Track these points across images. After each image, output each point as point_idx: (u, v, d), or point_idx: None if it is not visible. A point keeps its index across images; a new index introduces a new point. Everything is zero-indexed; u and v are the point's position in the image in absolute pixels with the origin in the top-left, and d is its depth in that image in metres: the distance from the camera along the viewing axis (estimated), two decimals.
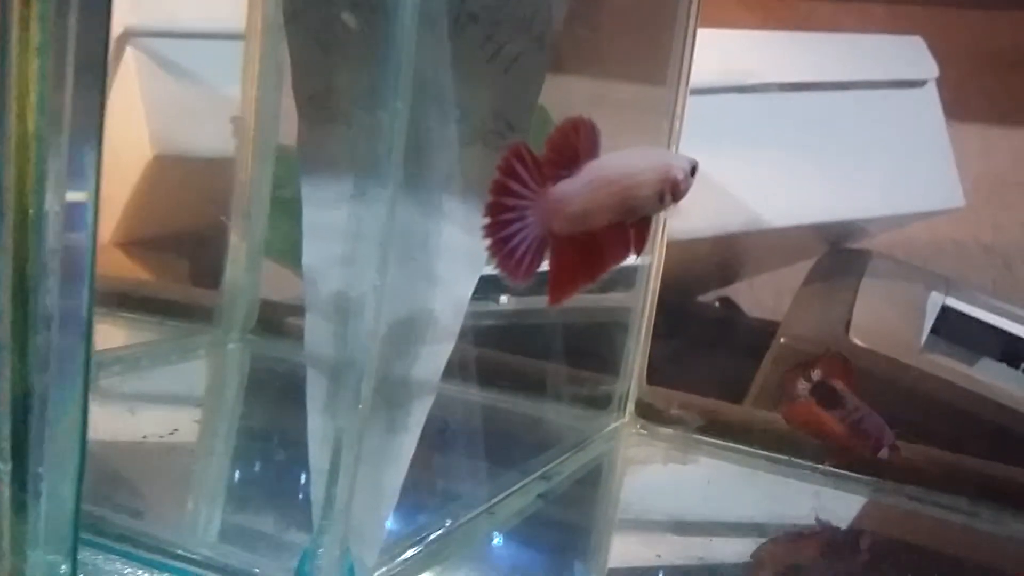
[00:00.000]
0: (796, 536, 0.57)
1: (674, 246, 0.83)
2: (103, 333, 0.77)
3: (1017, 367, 0.85)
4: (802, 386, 0.60)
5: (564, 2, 0.41)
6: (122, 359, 0.65)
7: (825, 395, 0.60)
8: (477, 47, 0.39)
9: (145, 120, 0.95)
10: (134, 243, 1.02)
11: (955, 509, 0.61)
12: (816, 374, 0.60)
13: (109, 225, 1.01)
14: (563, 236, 0.37)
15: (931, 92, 0.99)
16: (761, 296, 1.18)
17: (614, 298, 0.70)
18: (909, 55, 1.00)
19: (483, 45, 0.39)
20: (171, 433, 0.54)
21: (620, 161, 0.38)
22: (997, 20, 1.11)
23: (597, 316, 0.69)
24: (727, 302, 1.17)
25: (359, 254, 0.37)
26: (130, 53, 0.96)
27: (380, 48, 0.36)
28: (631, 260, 0.40)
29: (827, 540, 0.58)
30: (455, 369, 0.46)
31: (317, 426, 0.38)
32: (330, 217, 0.38)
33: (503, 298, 0.77)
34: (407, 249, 0.39)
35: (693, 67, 0.72)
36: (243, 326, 0.72)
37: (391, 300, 0.38)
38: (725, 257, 1.06)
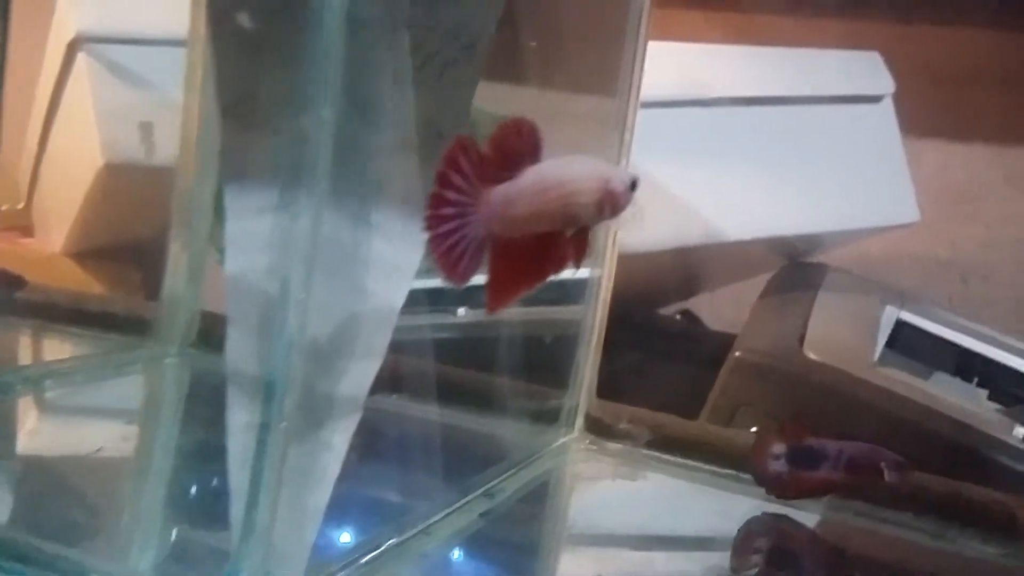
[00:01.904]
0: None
1: (633, 258, 0.83)
2: (36, 347, 0.75)
3: (971, 381, 0.86)
4: (776, 465, 0.59)
5: (497, 11, 0.40)
6: (54, 374, 0.63)
7: (803, 458, 0.58)
8: (407, 55, 0.38)
9: (96, 127, 0.93)
10: (86, 253, 1.00)
11: (903, 525, 0.60)
12: (779, 448, 0.59)
13: (60, 234, 0.99)
14: (503, 240, 0.37)
15: (887, 107, 1.00)
16: (722, 309, 1.18)
17: (564, 311, 0.70)
18: (866, 70, 1.01)
19: (413, 53, 0.38)
20: (96, 451, 0.52)
21: (561, 168, 0.38)
22: (953, 36, 1.13)
23: (547, 329, 0.68)
24: (688, 315, 1.18)
25: (283, 266, 0.36)
26: (82, 59, 0.94)
27: (306, 54, 0.35)
28: (572, 272, 0.39)
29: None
30: (395, 382, 0.44)
31: (237, 445, 0.37)
32: (254, 227, 0.37)
33: (460, 310, 0.76)
34: (334, 261, 0.38)
35: (654, 80, 0.72)
36: (183, 339, 0.70)
37: (316, 314, 0.36)
38: (685, 270, 1.06)
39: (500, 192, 0.36)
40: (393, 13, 0.37)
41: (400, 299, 0.40)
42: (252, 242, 0.37)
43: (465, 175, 0.35)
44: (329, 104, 0.35)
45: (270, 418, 0.36)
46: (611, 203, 0.37)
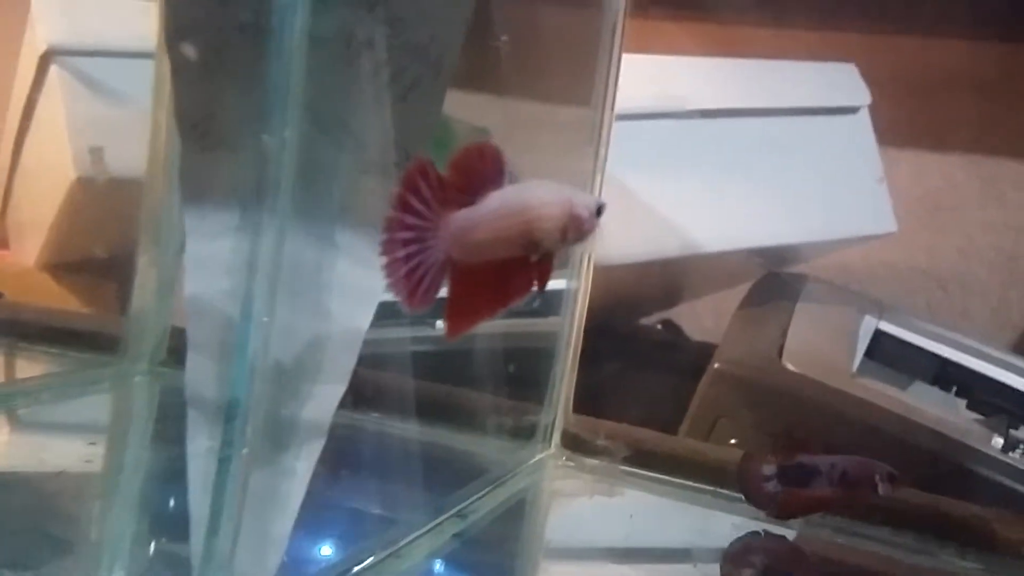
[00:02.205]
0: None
1: (613, 270, 0.83)
2: (5, 365, 0.73)
3: (949, 391, 0.86)
4: (770, 485, 0.58)
5: (463, 28, 0.40)
6: (21, 393, 0.62)
7: (795, 476, 0.57)
8: (372, 73, 0.37)
9: (68, 141, 0.92)
10: (61, 266, 0.98)
11: (881, 540, 0.60)
12: (770, 467, 0.58)
13: (34, 248, 0.98)
14: (463, 265, 0.36)
15: (864, 118, 1.01)
16: (703, 319, 1.18)
17: (541, 323, 0.69)
18: (842, 82, 1.01)
19: (378, 71, 0.37)
20: (57, 474, 0.51)
21: (525, 193, 0.37)
22: (927, 46, 1.13)
23: (524, 342, 0.68)
24: (669, 325, 1.17)
25: (245, 288, 0.35)
26: (54, 72, 0.93)
27: (266, 73, 0.34)
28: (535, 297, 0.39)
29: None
30: (366, 396, 0.44)
31: (198, 471, 0.36)
32: (214, 249, 0.36)
33: (439, 323, 0.75)
34: (297, 283, 0.37)
35: (632, 92, 0.72)
36: (152, 357, 0.68)
37: (279, 337, 0.36)
38: (665, 281, 1.05)
39: (461, 216, 0.35)
40: (356, 31, 0.37)
41: (366, 322, 0.39)
42: (213, 264, 0.36)
43: (424, 198, 0.34)
44: (291, 123, 0.35)
45: (231, 443, 0.35)
46: (575, 228, 0.36)
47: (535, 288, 0.36)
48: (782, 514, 0.58)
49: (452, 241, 0.35)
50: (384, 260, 0.35)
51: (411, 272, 0.35)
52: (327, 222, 0.38)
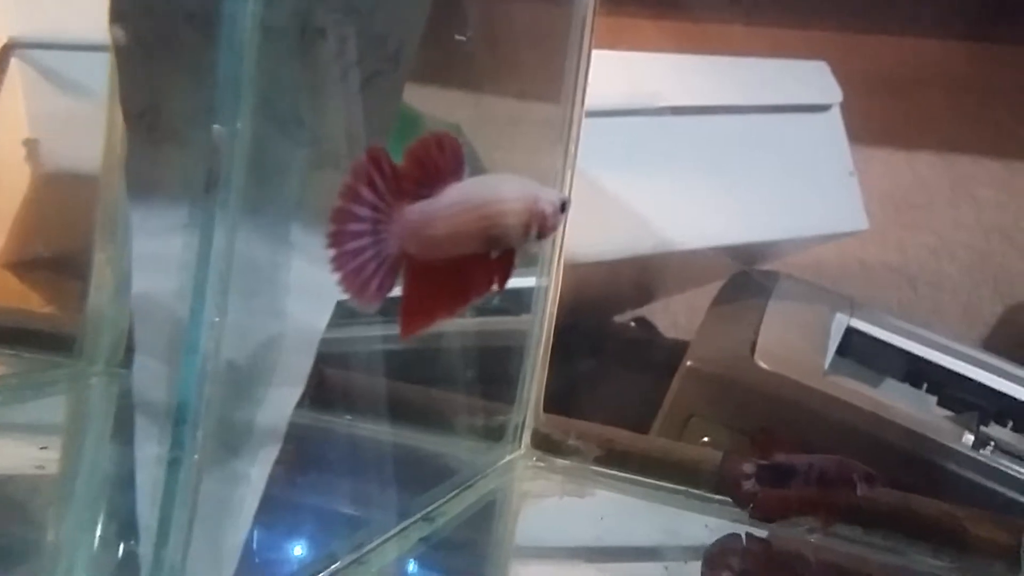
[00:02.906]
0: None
1: (585, 267, 0.82)
2: None
3: (921, 387, 0.86)
4: (748, 484, 0.57)
5: (422, 19, 0.39)
6: None
7: (773, 476, 0.57)
8: (327, 65, 0.36)
9: (30, 135, 0.90)
10: (23, 264, 0.96)
11: (853, 540, 0.60)
12: (749, 467, 0.57)
13: None
14: (419, 261, 0.34)
15: (835, 116, 1.01)
16: (677, 315, 1.18)
17: (510, 321, 0.68)
18: (814, 80, 1.01)
19: (333, 62, 0.36)
20: (7, 480, 0.49)
21: (486, 187, 0.35)
22: (898, 45, 1.14)
23: (492, 341, 0.66)
24: (643, 322, 1.17)
25: (194, 288, 0.34)
26: (15, 65, 0.91)
27: (217, 62, 0.33)
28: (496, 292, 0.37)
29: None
30: (329, 396, 0.42)
31: (146, 479, 0.35)
32: (162, 246, 0.35)
33: None
34: (250, 282, 0.36)
35: (604, 89, 0.71)
36: (108, 358, 0.66)
37: (231, 338, 0.34)
38: (638, 278, 1.05)
39: (417, 210, 0.34)
40: (311, 21, 0.35)
41: (323, 322, 0.38)
42: (161, 262, 0.35)
43: (377, 189, 0.33)
44: (242, 116, 0.33)
45: (181, 449, 0.33)
46: (539, 224, 0.35)
47: (495, 287, 0.35)
48: (761, 515, 0.57)
49: (407, 235, 0.34)
50: (332, 253, 0.33)
51: (362, 267, 0.33)
52: (281, 218, 0.36)
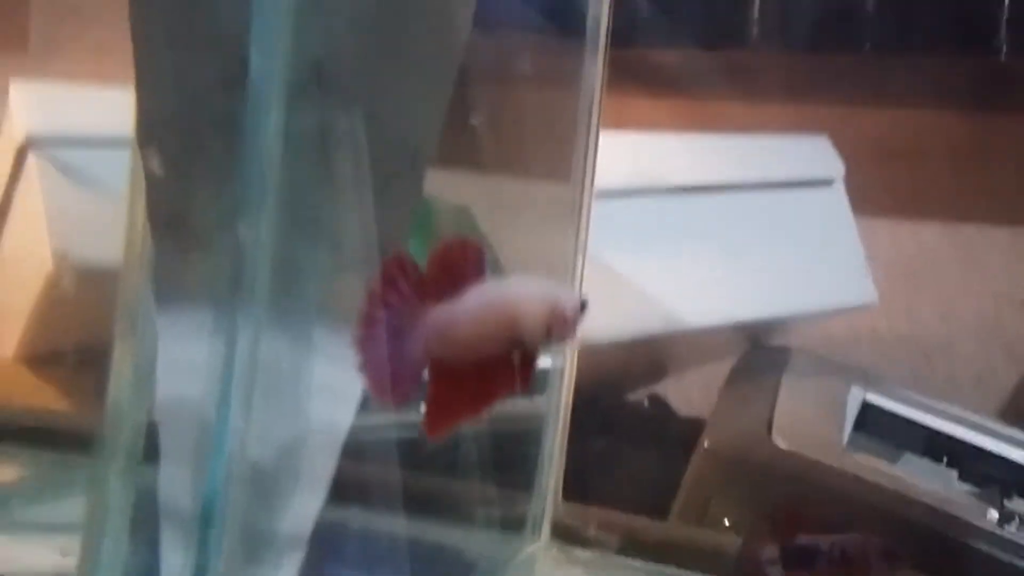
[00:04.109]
0: None
1: (595, 349, 0.82)
2: None
3: (940, 462, 0.85)
4: (775, 571, 0.56)
5: (440, 120, 0.40)
6: None
7: (797, 559, 0.56)
8: (347, 170, 0.37)
9: (47, 231, 0.91)
10: (39, 358, 0.97)
11: None
12: (772, 551, 0.56)
13: (12, 340, 0.96)
14: (443, 364, 0.35)
15: (839, 189, 1.02)
16: (690, 392, 1.17)
17: (526, 404, 0.67)
18: (816, 154, 1.03)
19: (353, 168, 0.37)
20: None
21: (507, 290, 0.36)
22: (897, 117, 1.16)
23: (506, 426, 0.66)
24: (656, 400, 1.16)
25: (219, 392, 0.34)
26: (32, 162, 0.92)
27: (241, 170, 0.34)
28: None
29: None
30: (343, 488, 0.42)
31: None
32: (188, 352, 0.35)
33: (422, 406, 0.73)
34: (274, 386, 0.36)
35: (607, 170, 0.72)
36: (129, 455, 0.66)
37: (255, 444, 0.34)
38: (649, 357, 1.05)
39: (441, 312, 0.34)
40: (332, 128, 0.36)
41: (346, 424, 0.38)
42: (186, 367, 0.35)
43: (402, 293, 0.33)
44: (266, 221, 0.34)
45: (206, 559, 0.33)
46: (560, 327, 0.35)
47: (518, 389, 0.35)
48: None
49: (431, 337, 0.34)
50: (358, 357, 0.33)
51: (387, 369, 0.34)
52: (304, 322, 0.36)
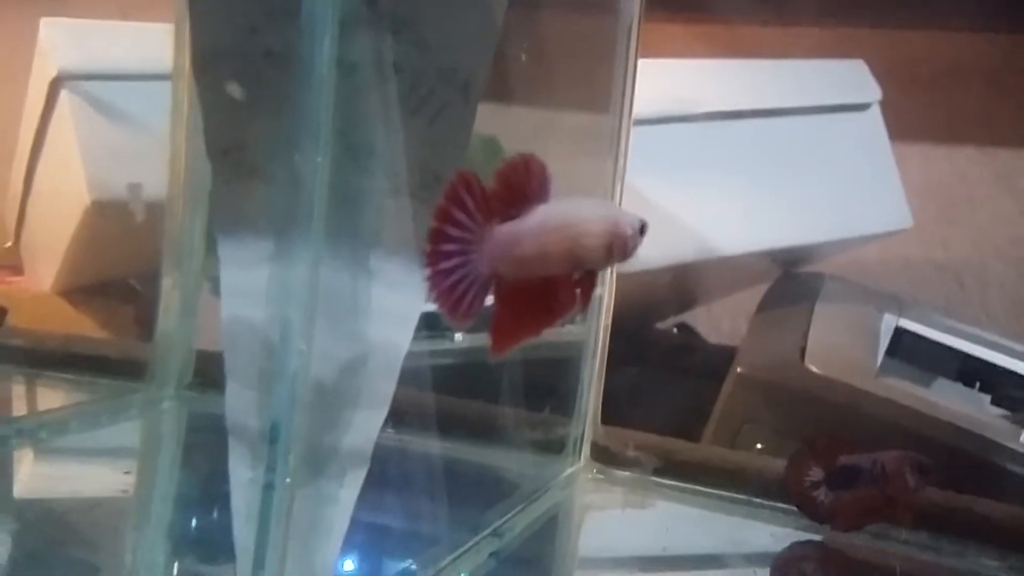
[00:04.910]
0: None
1: (627, 276, 0.82)
2: (29, 396, 0.73)
3: (973, 386, 0.85)
4: (819, 492, 0.57)
5: (490, 50, 0.40)
6: (49, 424, 0.61)
7: (842, 479, 0.57)
8: (400, 97, 0.37)
9: (82, 165, 0.92)
10: (77, 291, 0.99)
11: (916, 544, 0.59)
12: (816, 473, 0.57)
13: (50, 273, 0.98)
14: (508, 281, 0.36)
15: (875, 115, 1.00)
16: (719, 321, 1.18)
17: (565, 332, 0.69)
18: (852, 79, 1.01)
19: (407, 96, 0.37)
20: (92, 508, 0.50)
21: (569, 209, 0.37)
22: (934, 39, 1.13)
23: (546, 352, 0.67)
24: (685, 328, 1.17)
25: (282, 316, 0.35)
26: (65, 97, 0.93)
27: (297, 100, 0.34)
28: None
29: None
30: (392, 414, 0.43)
31: (241, 501, 0.36)
32: (250, 278, 0.36)
33: (458, 335, 0.74)
34: (334, 310, 0.37)
35: (642, 97, 0.71)
36: (179, 381, 0.68)
37: (318, 365, 0.36)
38: (680, 285, 1.05)
39: (506, 230, 0.35)
40: (384, 56, 0.37)
41: (404, 346, 0.39)
42: (249, 293, 0.36)
43: (468, 211, 0.34)
44: (322, 150, 0.34)
45: (274, 473, 0.35)
46: (620, 247, 0.36)
47: (578, 307, 0.36)
48: (841, 525, 0.58)
49: (497, 255, 0.35)
50: (428, 272, 0.34)
51: (454, 285, 0.34)
52: (360, 247, 0.37)
